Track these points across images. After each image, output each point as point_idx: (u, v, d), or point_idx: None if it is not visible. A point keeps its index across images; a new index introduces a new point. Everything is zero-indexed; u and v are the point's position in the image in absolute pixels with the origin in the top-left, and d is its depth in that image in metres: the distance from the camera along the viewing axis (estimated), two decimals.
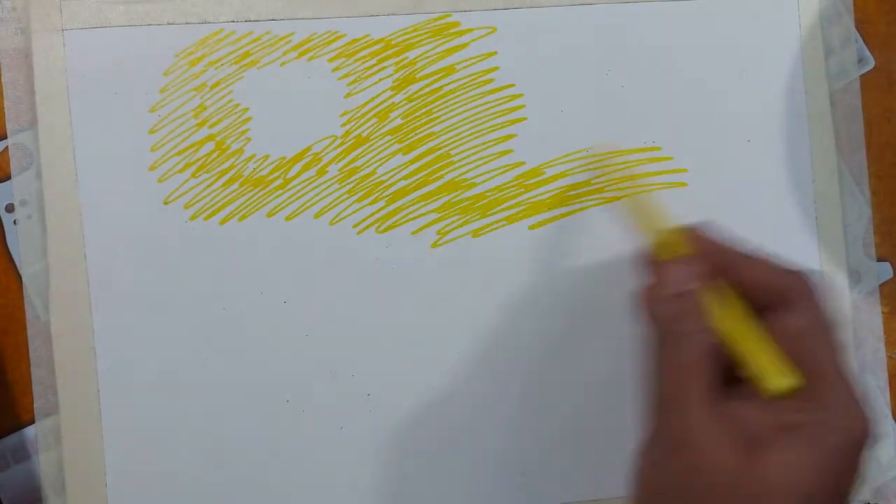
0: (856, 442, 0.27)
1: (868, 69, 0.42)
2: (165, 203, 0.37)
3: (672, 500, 0.28)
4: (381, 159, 0.38)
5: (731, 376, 0.29)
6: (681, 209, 0.39)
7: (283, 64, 0.38)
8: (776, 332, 0.29)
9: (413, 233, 0.38)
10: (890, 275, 0.42)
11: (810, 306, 0.29)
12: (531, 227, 0.39)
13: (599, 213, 0.39)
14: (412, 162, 0.38)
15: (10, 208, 0.37)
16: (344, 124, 0.38)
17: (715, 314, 0.29)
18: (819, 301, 0.30)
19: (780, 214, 0.40)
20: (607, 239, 0.39)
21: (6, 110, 0.37)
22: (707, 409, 0.28)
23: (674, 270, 0.30)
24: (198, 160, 0.37)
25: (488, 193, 0.39)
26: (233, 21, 0.38)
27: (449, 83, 0.39)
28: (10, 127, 0.37)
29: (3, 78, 0.37)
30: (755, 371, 0.29)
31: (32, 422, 0.36)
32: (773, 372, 0.28)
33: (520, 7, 0.39)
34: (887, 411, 0.41)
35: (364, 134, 0.38)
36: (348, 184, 0.38)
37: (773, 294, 0.30)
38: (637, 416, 0.40)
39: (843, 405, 0.27)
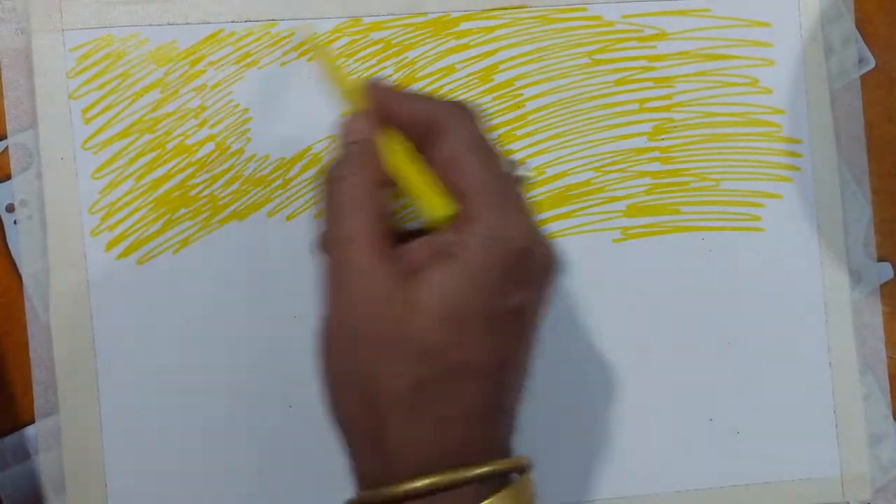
0: (512, 253, 0.28)
1: (868, 69, 0.42)
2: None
3: (339, 344, 0.28)
4: None
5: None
6: (682, 204, 0.40)
7: (283, 64, 0.38)
8: (433, 163, 0.30)
9: None
10: (890, 275, 0.41)
11: (457, 131, 0.29)
12: None
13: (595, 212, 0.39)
14: None
15: (10, 208, 0.37)
16: None
17: (386, 159, 0.30)
18: (465, 123, 0.30)
19: (779, 214, 0.40)
20: (604, 238, 0.39)
21: (6, 110, 0.37)
22: (369, 244, 0.28)
23: (349, 124, 0.31)
24: (198, 160, 0.37)
25: None
26: (233, 21, 0.38)
27: (449, 83, 0.39)
28: (10, 127, 0.37)
29: (3, 78, 0.37)
30: (419, 206, 0.29)
31: (32, 422, 0.36)
32: (431, 203, 0.29)
33: (520, 7, 0.39)
34: (887, 411, 0.41)
35: None
36: None
37: (426, 126, 0.30)
38: (639, 411, 0.40)
39: (490, 224, 0.28)
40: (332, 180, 0.30)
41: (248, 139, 0.38)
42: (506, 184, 0.29)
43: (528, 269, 0.28)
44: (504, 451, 0.30)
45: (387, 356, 0.27)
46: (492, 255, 0.27)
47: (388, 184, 0.30)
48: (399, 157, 0.30)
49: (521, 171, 0.31)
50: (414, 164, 0.30)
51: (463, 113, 0.30)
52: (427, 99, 0.31)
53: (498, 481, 0.28)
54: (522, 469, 0.29)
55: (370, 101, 0.31)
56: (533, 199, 0.39)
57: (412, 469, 0.27)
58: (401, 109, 0.31)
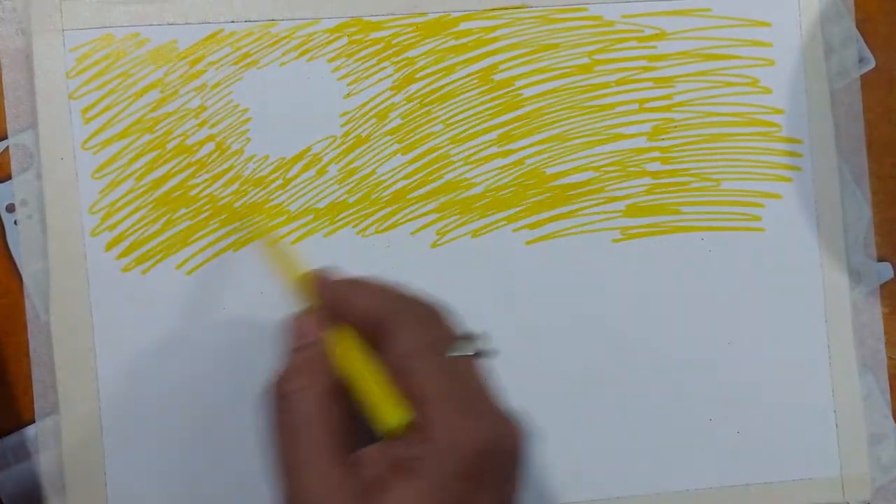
0: (474, 460, 0.26)
1: (869, 69, 0.42)
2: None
3: None
4: (380, 159, 0.38)
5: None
6: (682, 205, 0.40)
7: (283, 64, 0.38)
8: (387, 364, 0.27)
9: (413, 233, 0.38)
10: (890, 275, 0.41)
11: (404, 333, 0.27)
12: (531, 227, 0.39)
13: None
14: (412, 162, 0.38)
15: (10, 208, 0.37)
16: (344, 124, 0.38)
17: (337, 360, 0.28)
18: (413, 324, 0.28)
19: (779, 214, 0.40)
20: (604, 238, 0.39)
21: (6, 111, 0.37)
22: (325, 465, 0.26)
23: (297, 325, 0.29)
24: (198, 160, 0.37)
25: (488, 193, 0.39)
26: (233, 21, 0.38)
27: (449, 83, 0.39)
28: (10, 127, 0.37)
29: (3, 78, 0.37)
30: (371, 412, 0.27)
31: (33, 421, 0.36)
32: (385, 410, 0.27)
33: (520, 7, 0.39)
34: (887, 411, 0.41)
35: (364, 134, 0.38)
36: (348, 184, 0.38)
37: (378, 323, 0.28)
38: (640, 412, 0.40)
39: (446, 433, 0.26)
40: (279, 398, 0.28)
41: (248, 139, 0.38)
42: (461, 384, 0.27)
43: (492, 468, 0.27)
44: None
45: None
46: (451, 466, 0.26)
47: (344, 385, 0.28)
48: (351, 360, 0.28)
49: (481, 346, 0.28)
50: (368, 366, 0.28)
51: (410, 312, 0.28)
52: (376, 295, 0.29)
53: None
54: None
55: (319, 295, 0.29)
56: (533, 200, 0.39)
57: None
58: (349, 306, 0.29)
